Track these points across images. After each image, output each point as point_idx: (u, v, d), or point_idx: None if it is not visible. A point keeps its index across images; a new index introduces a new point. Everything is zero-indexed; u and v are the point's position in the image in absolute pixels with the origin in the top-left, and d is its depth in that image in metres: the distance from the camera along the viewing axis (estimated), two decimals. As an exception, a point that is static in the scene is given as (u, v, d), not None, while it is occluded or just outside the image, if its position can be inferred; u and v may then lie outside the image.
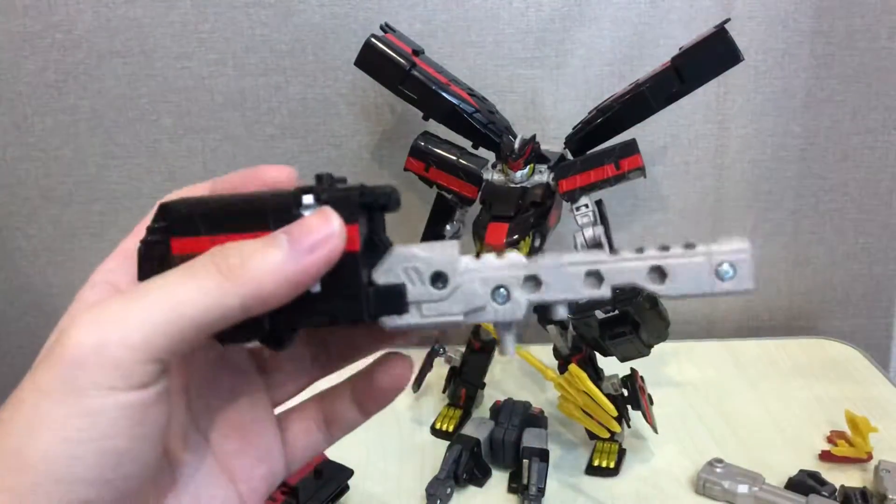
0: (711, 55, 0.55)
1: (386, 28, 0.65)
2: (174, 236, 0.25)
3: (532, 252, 0.56)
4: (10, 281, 0.81)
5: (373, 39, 0.60)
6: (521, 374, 0.75)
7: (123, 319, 0.22)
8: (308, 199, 0.25)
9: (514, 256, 0.26)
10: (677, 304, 0.76)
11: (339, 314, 0.25)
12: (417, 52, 0.63)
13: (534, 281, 0.26)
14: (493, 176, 0.61)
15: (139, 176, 0.77)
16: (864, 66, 0.74)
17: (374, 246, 0.26)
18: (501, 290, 0.26)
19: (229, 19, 0.71)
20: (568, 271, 0.25)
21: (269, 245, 0.23)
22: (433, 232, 0.64)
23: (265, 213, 0.25)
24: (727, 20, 0.56)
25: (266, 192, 0.26)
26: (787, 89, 0.75)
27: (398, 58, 0.60)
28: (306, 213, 0.24)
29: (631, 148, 0.57)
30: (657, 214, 0.80)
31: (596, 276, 0.25)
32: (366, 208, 0.25)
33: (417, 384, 0.69)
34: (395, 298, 0.25)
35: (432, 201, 0.66)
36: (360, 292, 0.25)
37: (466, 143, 0.64)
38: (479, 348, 0.68)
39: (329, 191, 0.25)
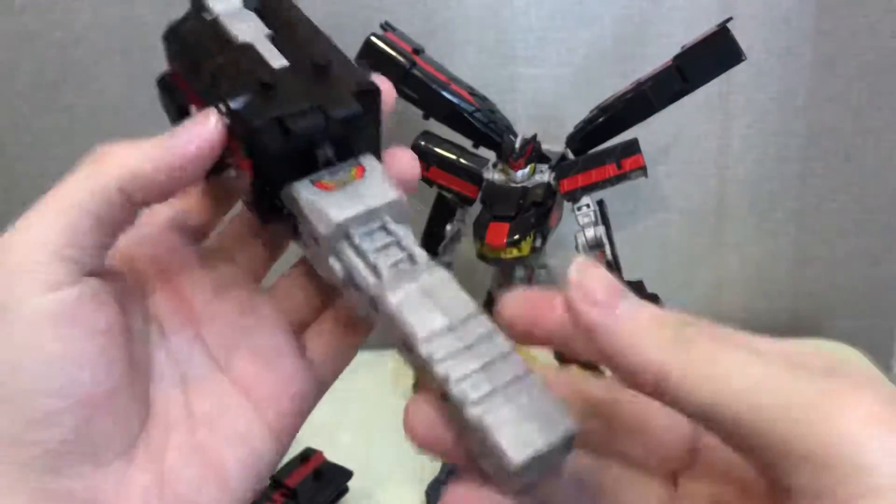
0: (713, 54, 0.55)
1: (386, 26, 0.64)
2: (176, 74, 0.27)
3: (533, 251, 0.56)
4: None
5: (373, 38, 0.60)
6: (522, 374, 0.75)
7: (22, 229, 0.24)
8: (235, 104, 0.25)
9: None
10: (679, 306, 0.75)
11: (257, 210, 0.27)
12: (418, 50, 0.63)
13: (372, 303, 0.25)
14: (493, 175, 0.61)
15: (138, 175, 0.77)
16: (867, 65, 0.73)
17: (295, 153, 0.25)
18: (354, 286, 0.25)
19: (229, 18, 0.71)
20: (395, 324, 0.23)
21: (150, 142, 0.25)
22: (433, 232, 0.64)
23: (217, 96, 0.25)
24: (729, 19, 0.56)
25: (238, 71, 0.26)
26: (789, 89, 0.74)
27: (398, 56, 0.60)
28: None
29: (632, 147, 0.57)
30: (659, 214, 0.79)
31: (407, 347, 0.23)
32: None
33: (417, 385, 0.68)
34: (290, 221, 0.27)
35: (432, 201, 0.65)
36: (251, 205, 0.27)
37: (467, 143, 0.63)
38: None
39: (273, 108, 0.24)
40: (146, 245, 0.29)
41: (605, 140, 0.60)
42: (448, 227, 0.64)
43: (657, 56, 0.59)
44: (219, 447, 0.26)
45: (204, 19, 0.28)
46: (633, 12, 0.71)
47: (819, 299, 0.84)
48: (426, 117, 0.62)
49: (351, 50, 0.61)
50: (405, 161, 0.28)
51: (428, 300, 0.23)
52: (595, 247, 0.58)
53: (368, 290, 0.24)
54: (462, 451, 0.22)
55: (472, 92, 0.63)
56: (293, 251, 0.31)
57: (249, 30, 0.27)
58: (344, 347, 0.30)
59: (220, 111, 0.25)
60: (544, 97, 0.74)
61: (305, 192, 0.25)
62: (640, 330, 0.21)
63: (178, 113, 0.28)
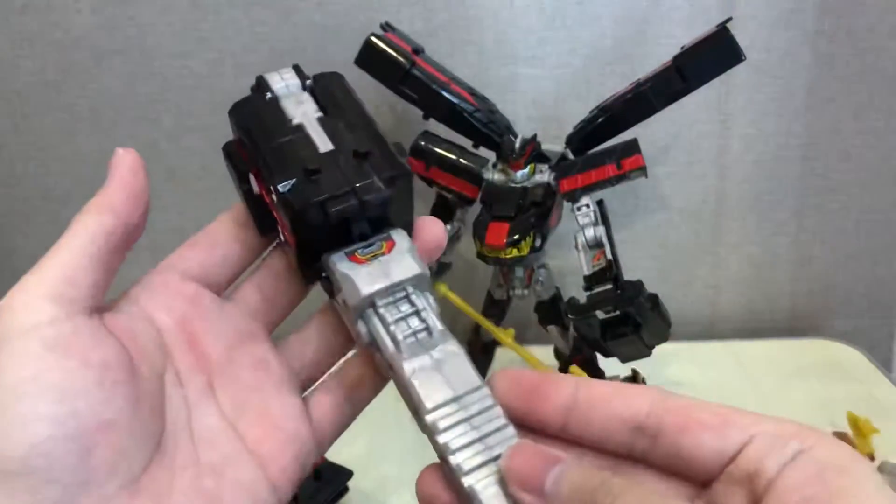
0: (713, 54, 0.55)
1: (386, 27, 0.64)
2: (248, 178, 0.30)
3: (532, 251, 0.56)
4: (7, 281, 0.81)
5: (373, 38, 0.60)
6: (522, 374, 0.75)
7: (31, 273, 0.27)
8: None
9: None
10: (678, 305, 0.75)
11: (304, 269, 0.31)
12: (418, 50, 0.63)
13: (391, 369, 0.28)
14: (493, 175, 0.61)
15: (138, 175, 0.77)
16: (867, 65, 0.73)
17: (335, 231, 0.29)
18: (377, 351, 0.29)
19: (229, 18, 0.71)
20: (408, 390, 0.27)
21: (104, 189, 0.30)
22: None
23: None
24: (729, 19, 0.56)
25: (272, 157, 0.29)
26: (788, 89, 0.74)
27: (398, 57, 0.60)
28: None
29: (632, 147, 0.57)
30: (658, 214, 0.79)
31: (418, 414, 0.27)
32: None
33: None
34: (329, 285, 0.30)
35: (432, 201, 0.65)
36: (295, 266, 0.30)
37: (467, 143, 0.63)
38: (479, 349, 0.68)
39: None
40: (169, 296, 0.30)
41: (605, 140, 0.60)
42: (448, 227, 0.64)
43: (657, 56, 0.59)
44: (223, 495, 0.28)
45: (265, 98, 0.31)
46: (633, 12, 0.71)
47: (819, 299, 0.84)
48: (426, 117, 0.62)
49: (351, 50, 0.61)
50: (434, 231, 0.31)
51: (437, 373, 0.27)
52: (595, 247, 0.58)
53: (387, 356, 0.28)
54: None
55: (472, 92, 0.63)
56: (303, 308, 0.34)
57: (303, 111, 0.30)
58: (344, 412, 0.32)
59: (270, 191, 0.28)
60: (544, 97, 0.74)
61: (340, 264, 0.28)
62: None
63: (240, 178, 0.31)
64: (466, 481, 0.25)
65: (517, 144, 0.59)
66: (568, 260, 0.71)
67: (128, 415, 0.26)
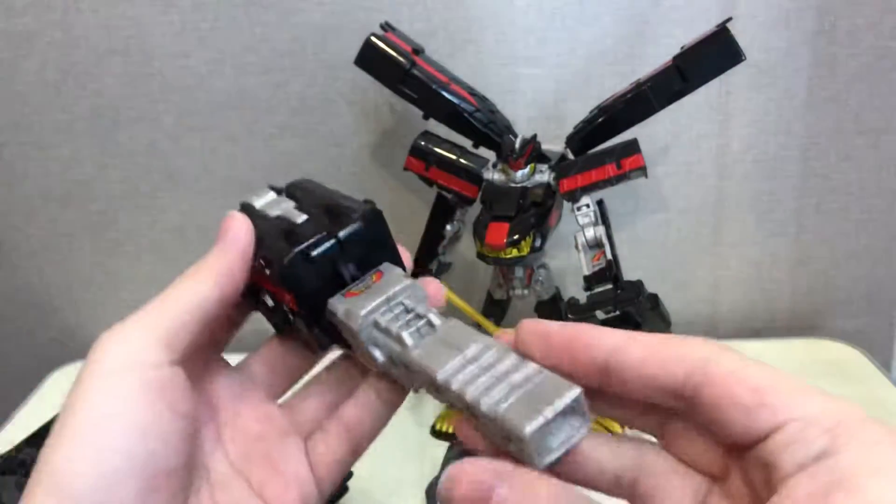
0: (713, 54, 0.55)
1: (386, 27, 0.64)
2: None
3: (532, 251, 0.56)
4: (7, 280, 0.81)
5: (373, 38, 0.60)
6: (522, 374, 0.75)
7: (137, 320, 0.29)
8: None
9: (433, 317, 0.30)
10: (678, 305, 0.75)
11: (302, 333, 0.33)
12: (418, 50, 0.63)
13: (406, 367, 0.29)
14: (493, 175, 0.61)
15: (138, 175, 0.77)
16: (867, 65, 0.73)
17: (326, 276, 0.31)
18: (393, 362, 0.30)
19: (229, 18, 0.71)
20: (426, 375, 0.28)
21: (211, 253, 0.31)
22: (433, 232, 0.64)
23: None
24: (729, 19, 0.56)
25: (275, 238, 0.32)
26: (789, 89, 0.74)
27: (398, 57, 0.60)
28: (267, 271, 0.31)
29: (632, 147, 0.57)
30: (658, 214, 0.79)
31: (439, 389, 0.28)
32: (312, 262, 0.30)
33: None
34: (333, 333, 0.32)
35: (432, 201, 0.65)
36: (315, 330, 0.32)
37: (467, 143, 0.63)
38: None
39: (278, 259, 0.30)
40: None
41: (605, 140, 0.60)
42: (448, 227, 0.64)
43: (657, 56, 0.59)
44: None
45: (253, 210, 0.34)
46: (633, 12, 0.71)
47: (818, 299, 0.84)
48: (426, 117, 0.62)
49: (351, 50, 0.61)
50: (431, 288, 0.32)
51: (445, 347, 0.28)
52: (594, 247, 0.58)
53: (400, 359, 0.29)
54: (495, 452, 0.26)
55: (472, 92, 0.63)
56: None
57: (282, 208, 0.33)
58: (345, 454, 0.34)
59: (261, 265, 0.31)
60: (544, 97, 0.74)
61: (340, 304, 0.31)
62: None
63: (256, 300, 0.34)
64: (487, 405, 0.24)
65: (517, 144, 0.59)
66: (568, 260, 0.71)
67: (184, 465, 0.28)
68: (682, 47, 0.57)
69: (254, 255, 0.31)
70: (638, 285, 0.56)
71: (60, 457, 0.25)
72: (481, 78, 0.71)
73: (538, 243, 0.56)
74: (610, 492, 0.27)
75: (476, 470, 0.23)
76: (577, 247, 0.58)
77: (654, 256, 0.81)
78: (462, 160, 0.62)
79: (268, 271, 0.31)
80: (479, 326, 0.66)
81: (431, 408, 0.70)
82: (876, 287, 0.83)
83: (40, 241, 0.79)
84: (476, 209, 0.61)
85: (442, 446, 0.61)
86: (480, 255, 0.57)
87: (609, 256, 0.57)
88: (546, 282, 0.62)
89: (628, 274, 0.58)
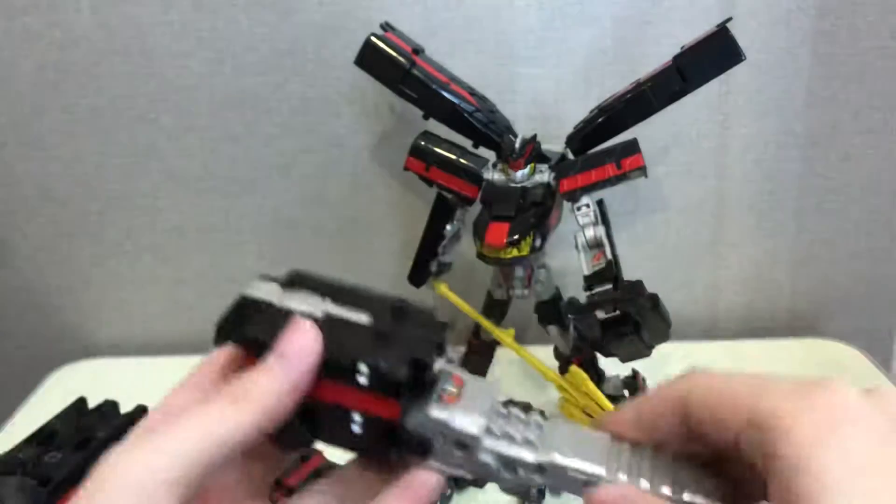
0: (713, 54, 0.55)
1: (386, 27, 0.64)
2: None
3: (532, 251, 0.56)
4: (7, 281, 0.81)
5: (373, 38, 0.60)
6: (522, 375, 0.75)
7: (148, 449, 0.24)
8: (363, 368, 0.28)
9: (531, 436, 0.29)
10: (678, 306, 0.75)
11: (373, 452, 0.30)
12: (417, 50, 0.63)
13: (540, 469, 0.29)
14: (493, 175, 0.61)
15: (138, 175, 0.77)
16: (867, 65, 0.73)
17: (421, 383, 0.29)
18: (511, 468, 0.29)
19: (229, 18, 0.71)
20: (568, 476, 0.28)
21: (262, 371, 0.27)
22: (433, 232, 0.64)
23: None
24: (729, 19, 0.56)
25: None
26: (788, 89, 0.74)
27: (398, 57, 0.60)
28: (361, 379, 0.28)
29: (632, 147, 0.57)
30: (658, 214, 0.79)
31: (591, 485, 0.28)
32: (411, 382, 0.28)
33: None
34: (422, 448, 0.29)
35: (432, 201, 0.65)
36: (391, 448, 0.29)
37: (467, 143, 0.63)
38: (479, 349, 0.68)
39: (376, 368, 0.28)
40: None
41: (604, 140, 0.60)
42: (448, 227, 0.64)
43: (657, 56, 0.59)
44: None
45: (258, 307, 0.30)
46: (633, 12, 0.71)
47: (818, 299, 0.84)
48: (426, 117, 0.62)
49: (351, 50, 0.61)
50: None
51: (576, 444, 0.29)
52: (594, 247, 0.58)
53: (532, 461, 0.29)
54: None
55: (472, 92, 0.63)
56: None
57: (310, 304, 0.29)
58: None
59: (364, 374, 0.28)
60: (544, 97, 0.74)
61: (440, 412, 0.28)
62: None
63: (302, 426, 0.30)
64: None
65: (517, 144, 0.59)
66: (568, 260, 0.71)
67: None
68: (682, 47, 0.57)
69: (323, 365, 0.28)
70: (638, 285, 0.56)
71: None
72: (481, 78, 0.71)
73: (538, 243, 0.56)
74: None
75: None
76: (577, 247, 0.58)
77: (654, 256, 0.81)
78: (462, 160, 0.62)
79: (362, 381, 0.28)
80: (478, 326, 0.66)
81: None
82: (876, 287, 0.83)
83: (40, 241, 0.79)
84: (476, 209, 0.61)
85: (442, 446, 0.61)
86: (480, 255, 0.57)
87: (609, 256, 0.57)
88: (546, 282, 0.62)
89: (629, 274, 0.58)
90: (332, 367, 0.28)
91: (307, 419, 0.29)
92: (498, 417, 0.29)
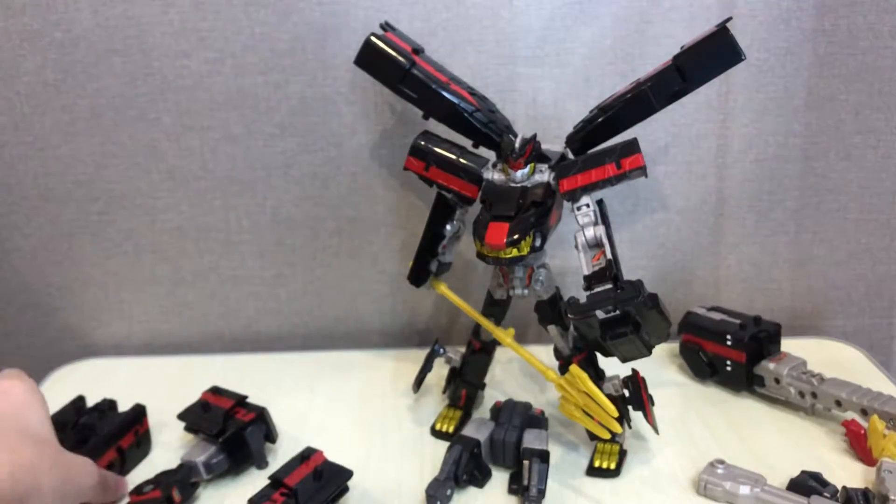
0: (713, 54, 0.55)
1: (386, 26, 0.64)
2: None
3: (532, 251, 0.56)
4: (7, 280, 0.81)
5: (373, 38, 0.60)
6: (522, 374, 0.75)
7: None
8: None
9: None
10: (679, 306, 0.75)
11: None
12: (417, 50, 0.63)
13: None
14: (493, 175, 0.61)
15: (138, 175, 0.77)
16: (867, 65, 0.73)
17: None
18: None
19: (228, 18, 0.71)
20: None
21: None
22: (433, 231, 0.64)
23: None
24: (729, 19, 0.56)
25: None
26: (788, 88, 0.75)
27: (398, 56, 0.60)
28: None
29: (632, 147, 0.57)
30: (658, 214, 0.79)
31: None
32: None
33: (417, 385, 0.68)
34: None
35: (432, 201, 0.65)
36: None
37: (467, 143, 0.63)
38: (479, 349, 0.68)
39: None
40: None
41: (604, 140, 0.60)
42: (448, 227, 0.63)
43: (657, 56, 0.60)
44: None
45: None
46: (633, 12, 0.71)
47: (818, 298, 0.84)
48: (426, 117, 0.62)
49: (351, 50, 0.61)
50: None
51: None
52: (594, 246, 0.57)
53: None
54: None
55: (472, 91, 0.63)
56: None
57: None
58: None
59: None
60: (544, 97, 0.74)
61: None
62: None
63: None
64: None
65: (517, 144, 0.59)
66: (568, 260, 0.71)
67: None
68: (682, 47, 0.57)
69: None
70: (638, 285, 0.55)
71: None
72: (481, 78, 0.71)
73: (538, 243, 0.56)
74: None
75: None
76: (577, 247, 0.58)
77: (655, 256, 0.81)
78: (462, 160, 0.62)
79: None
80: (478, 326, 0.66)
81: (431, 408, 0.70)
82: (876, 286, 0.83)
83: (40, 241, 0.79)
84: (476, 209, 0.61)
85: (442, 446, 0.61)
86: (480, 255, 0.57)
87: (609, 256, 0.57)
88: (546, 282, 0.62)
89: (629, 274, 0.58)
90: None
91: None
92: None
